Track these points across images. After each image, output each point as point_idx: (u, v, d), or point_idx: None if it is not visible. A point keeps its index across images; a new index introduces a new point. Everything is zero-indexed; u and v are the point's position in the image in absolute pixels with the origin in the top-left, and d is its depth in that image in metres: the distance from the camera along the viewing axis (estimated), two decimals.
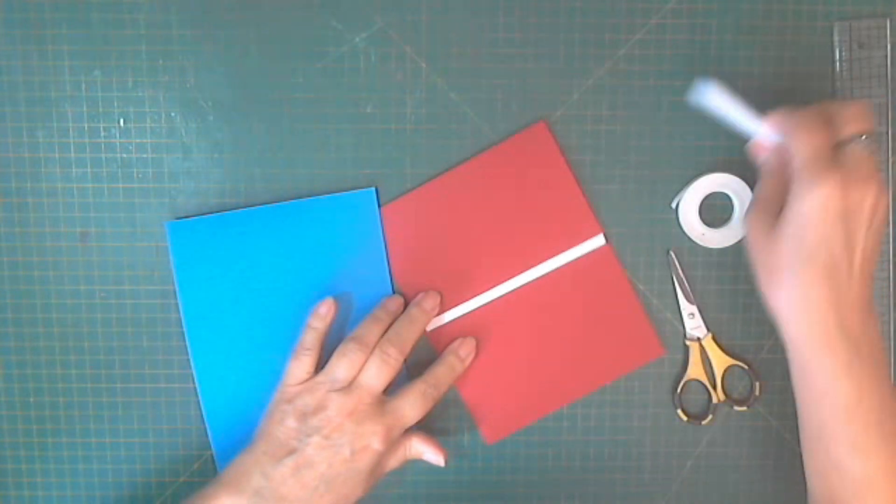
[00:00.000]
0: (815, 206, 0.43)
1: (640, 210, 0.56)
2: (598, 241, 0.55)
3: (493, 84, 0.55)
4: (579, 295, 0.55)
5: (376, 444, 0.50)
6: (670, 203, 0.56)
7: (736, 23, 0.55)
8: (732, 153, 0.55)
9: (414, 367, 0.56)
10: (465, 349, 0.55)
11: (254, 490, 0.49)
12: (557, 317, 0.56)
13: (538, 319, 0.56)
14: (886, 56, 0.55)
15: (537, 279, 0.55)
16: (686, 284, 0.56)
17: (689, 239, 0.56)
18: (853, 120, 0.44)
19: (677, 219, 0.56)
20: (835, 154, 0.43)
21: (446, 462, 0.53)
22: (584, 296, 0.55)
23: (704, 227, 0.55)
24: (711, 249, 0.56)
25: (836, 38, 0.55)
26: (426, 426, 0.56)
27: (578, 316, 0.56)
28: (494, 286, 0.55)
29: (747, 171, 0.55)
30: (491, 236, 0.55)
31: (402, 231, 0.55)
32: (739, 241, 0.56)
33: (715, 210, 0.56)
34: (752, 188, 0.55)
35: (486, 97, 0.55)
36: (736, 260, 0.56)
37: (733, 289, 0.56)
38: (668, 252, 0.56)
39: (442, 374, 0.53)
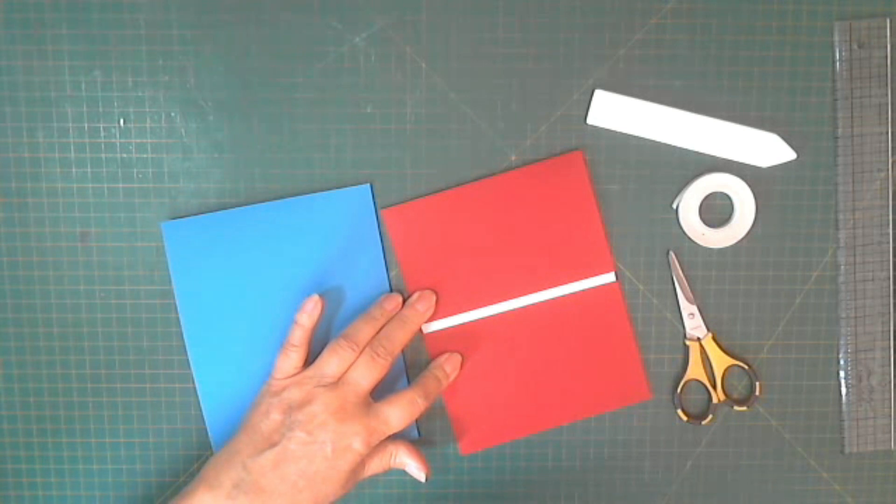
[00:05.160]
0: None
1: (640, 210, 0.56)
2: (609, 277, 0.55)
3: (493, 84, 0.55)
4: (579, 326, 0.56)
5: (357, 445, 0.50)
6: (670, 203, 0.56)
7: (736, 23, 0.55)
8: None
9: (412, 370, 0.56)
10: (450, 364, 0.55)
11: (233, 483, 0.49)
12: (553, 343, 0.56)
13: (534, 342, 0.56)
14: (886, 56, 0.55)
15: (541, 303, 0.55)
16: (686, 284, 0.56)
17: (689, 239, 0.56)
18: None
19: (677, 219, 0.56)
20: None
21: (428, 478, 0.53)
22: (583, 328, 0.56)
23: (704, 227, 0.55)
24: (711, 249, 0.56)
25: (836, 38, 0.55)
26: (423, 436, 0.56)
27: (574, 346, 0.56)
28: (499, 302, 0.55)
29: (747, 171, 0.55)
30: (505, 252, 0.55)
31: (418, 232, 0.55)
32: (739, 241, 0.56)
33: (715, 210, 0.56)
34: (751, 188, 0.55)
35: (486, 97, 0.55)
36: (736, 260, 0.56)
37: (733, 289, 0.56)
38: (668, 252, 0.56)
39: (430, 386, 0.53)
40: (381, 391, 0.53)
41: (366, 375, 0.51)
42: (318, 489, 0.49)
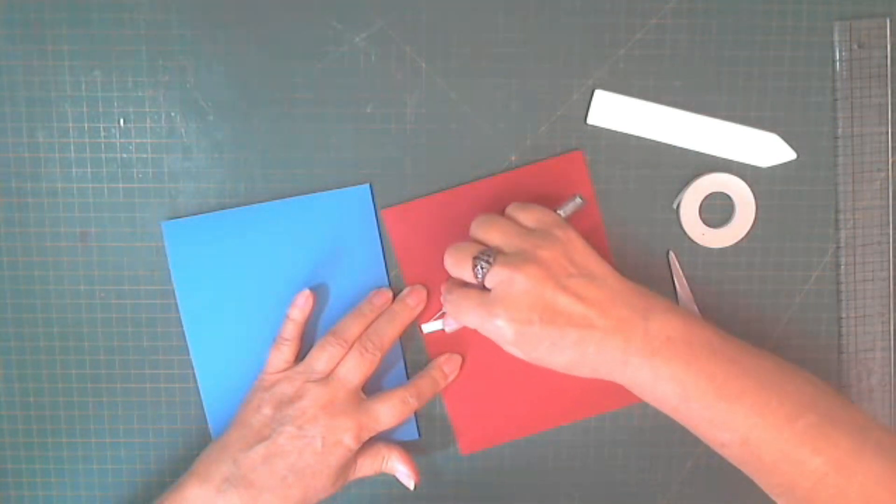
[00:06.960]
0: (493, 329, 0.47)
1: (640, 210, 0.56)
2: None
3: (493, 84, 0.55)
4: None
5: (347, 440, 0.50)
6: (670, 203, 0.56)
7: (736, 23, 0.55)
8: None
9: (412, 370, 0.56)
10: (450, 365, 0.55)
11: (223, 477, 0.49)
12: None
13: None
14: (886, 56, 0.55)
15: None
16: (686, 284, 0.56)
17: (689, 239, 0.56)
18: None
19: (677, 219, 0.56)
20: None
21: (417, 487, 0.53)
22: None
23: (704, 227, 0.55)
24: (711, 249, 0.56)
25: (836, 38, 0.55)
26: (423, 441, 0.56)
27: None
28: None
29: (747, 171, 0.55)
30: None
31: (418, 232, 0.55)
32: (739, 241, 0.56)
33: (715, 210, 0.56)
34: (752, 188, 0.55)
35: (486, 97, 0.55)
36: (736, 260, 0.56)
37: (733, 289, 0.56)
38: (668, 252, 0.56)
39: (425, 386, 0.53)
40: (378, 390, 0.53)
41: (355, 371, 0.51)
42: (307, 484, 0.50)
